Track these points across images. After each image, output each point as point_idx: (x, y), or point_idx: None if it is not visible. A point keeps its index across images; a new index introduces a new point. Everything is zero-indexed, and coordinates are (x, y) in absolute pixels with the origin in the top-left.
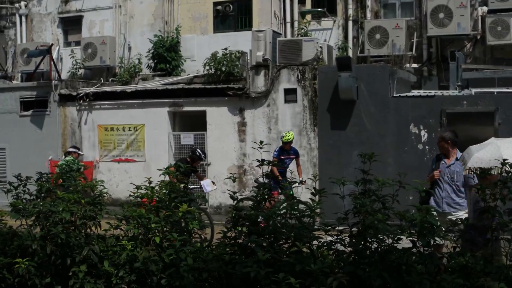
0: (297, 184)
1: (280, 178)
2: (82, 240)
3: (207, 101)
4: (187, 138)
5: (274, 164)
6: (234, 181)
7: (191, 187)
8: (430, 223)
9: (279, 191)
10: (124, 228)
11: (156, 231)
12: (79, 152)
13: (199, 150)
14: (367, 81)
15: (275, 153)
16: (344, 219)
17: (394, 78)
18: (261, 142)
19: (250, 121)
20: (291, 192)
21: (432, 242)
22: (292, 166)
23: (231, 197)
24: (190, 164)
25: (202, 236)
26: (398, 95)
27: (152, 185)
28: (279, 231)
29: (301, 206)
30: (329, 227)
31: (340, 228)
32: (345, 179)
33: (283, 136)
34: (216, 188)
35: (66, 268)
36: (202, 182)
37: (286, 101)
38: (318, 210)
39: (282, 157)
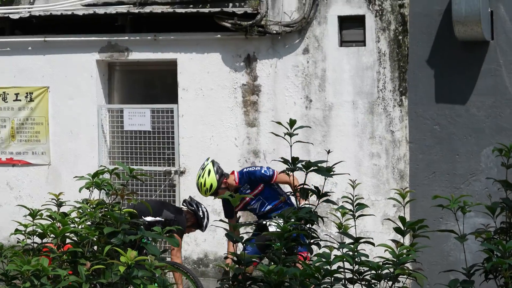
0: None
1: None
2: None
3: (179, 40)
4: (138, 118)
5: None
6: (235, 205)
7: (147, 219)
8: None
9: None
10: None
11: None
12: None
13: (204, 208)
14: None
15: (224, 209)
16: (467, 285)
17: None
18: (293, 122)
19: (268, 84)
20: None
21: None
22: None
23: (229, 236)
24: (184, 223)
25: None
26: None
27: (64, 209)
28: None
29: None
30: None
31: None
32: (466, 201)
33: (198, 185)
34: None
35: None
36: None
37: (342, 43)
38: (409, 265)
39: (236, 210)
